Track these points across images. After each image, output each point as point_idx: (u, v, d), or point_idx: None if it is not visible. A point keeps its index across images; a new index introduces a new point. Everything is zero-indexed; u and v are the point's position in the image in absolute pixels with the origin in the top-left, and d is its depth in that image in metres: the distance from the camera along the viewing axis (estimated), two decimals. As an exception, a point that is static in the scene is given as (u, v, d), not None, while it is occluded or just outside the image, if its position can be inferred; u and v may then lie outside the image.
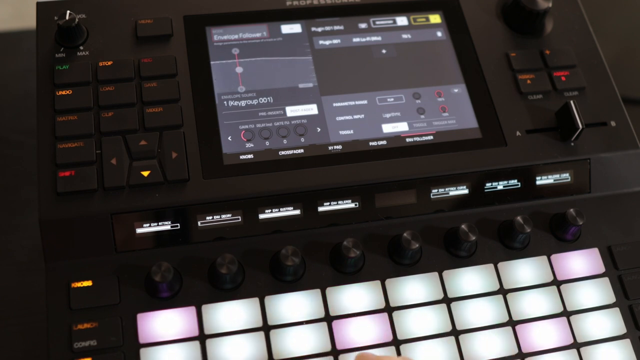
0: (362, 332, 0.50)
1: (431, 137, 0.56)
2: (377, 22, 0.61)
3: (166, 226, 0.51)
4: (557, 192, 0.58)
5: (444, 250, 0.54)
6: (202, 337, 0.48)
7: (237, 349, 0.48)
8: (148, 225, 0.51)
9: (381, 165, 0.54)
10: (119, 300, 0.49)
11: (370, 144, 0.55)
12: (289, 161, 0.54)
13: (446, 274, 0.53)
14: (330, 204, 0.54)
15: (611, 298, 0.54)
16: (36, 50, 0.55)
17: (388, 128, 0.56)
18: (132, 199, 0.50)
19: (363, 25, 0.61)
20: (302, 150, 0.54)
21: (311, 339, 0.49)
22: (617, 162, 0.58)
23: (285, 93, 0.57)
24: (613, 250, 0.56)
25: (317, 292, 0.51)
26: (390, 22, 0.62)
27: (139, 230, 0.51)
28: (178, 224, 0.51)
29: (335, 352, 0.49)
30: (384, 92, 0.58)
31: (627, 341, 0.53)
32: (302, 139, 0.55)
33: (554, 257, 0.55)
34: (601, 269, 0.55)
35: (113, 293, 0.49)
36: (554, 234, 0.56)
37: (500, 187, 0.56)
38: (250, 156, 0.53)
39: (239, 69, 0.57)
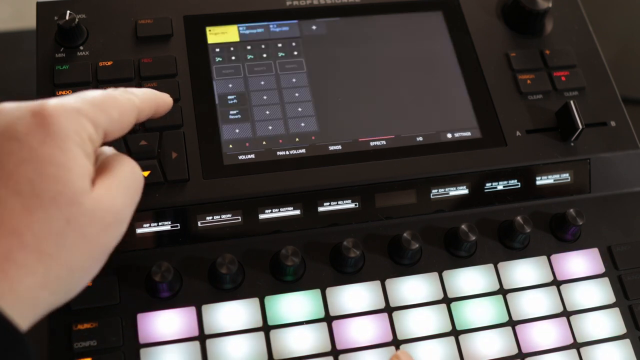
0: (362, 332, 0.50)
1: (431, 137, 0.56)
2: (377, 22, 0.61)
3: (166, 226, 0.51)
4: (557, 192, 0.58)
5: (444, 250, 0.54)
6: (202, 337, 0.48)
7: (237, 349, 0.48)
8: (148, 225, 0.51)
9: (381, 165, 0.54)
10: (119, 300, 0.49)
11: (371, 144, 0.55)
12: (289, 161, 0.54)
13: (446, 274, 0.53)
14: (330, 204, 0.54)
15: (611, 298, 0.54)
16: (36, 50, 0.55)
17: (388, 128, 0.56)
18: (132, 199, 0.50)
19: (363, 26, 0.61)
20: (302, 150, 0.54)
21: (311, 339, 0.49)
22: (617, 162, 0.58)
23: (286, 93, 0.57)
24: (613, 250, 0.56)
25: (317, 292, 0.51)
26: (390, 22, 0.62)
27: (139, 230, 0.51)
28: (178, 224, 0.51)
29: (335, 352, 0.49)
30: (384, 92, 0.58)
31: (627, 341, 0.53)
32: (302, 139, 0.55)
33: (554, 257, 0.55)
34: (601, 269, 0.55)
35: (113, 293, 0.49)
36: (554, 234, 0.56)
37: (500, 187, 0.56)
38: (250, 156, 0.54)
39: (239, 69, 0.57)
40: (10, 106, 0.38)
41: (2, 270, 0.34)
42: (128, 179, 0.41)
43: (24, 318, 0.35)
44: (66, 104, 0.38)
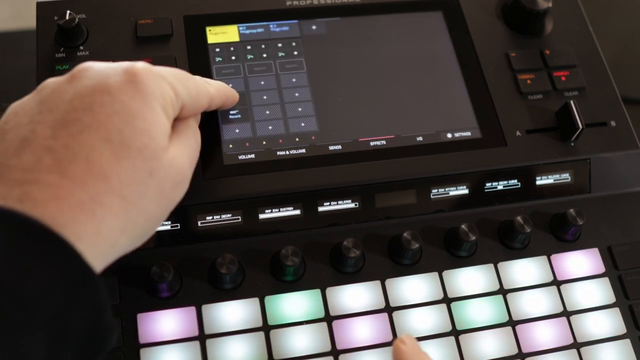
0: (362, 332, 0.50)
1: (431, 137, 0.56)
2: (377, 22, 0.61)
3: (166, 226, 0.51)
4: (557, 192, 0.58)
5: (444, 250, 0.54)
6: (202, 337, 0.48)
7: (237, 349, 0.48)
8: (148, 225, 0.51)
9: (381, 165, 0.54)
10: (119, 300, 0.49)
11: (371, 144, 0.55)
12: (289, 161, 0.54)
13: (446, 274, 0.53)
14: (330, 204, 0.54)
15: (611, 298, 0.54)
16: (36, 50, 0.55)
17: (388, 128, 0.56)
18: (132, 199, 0.50)
19: (363, 25, 0.61)
20: (302, 150, 0.54)
21: (311, 339, 0.49)
22: (617, 162, 0.58)
23: (286, 93, 0.57)
24: (613, 250, 0.56)
25: (317, 292, 0.51)
26: (391, 22, 0.62)
27: (139, 230, 0.51)
28: (178, 224, 0.51)
29: (335, 352, 0.49)
30: (384, 92, 0.58)
31: (627, 341, 0.53)
32: (302, 139, 0.55)
33: (554, 257, 0.55)
34: (601, 269, 0.55)
35: (113, 293, 0.49)
36: (554, 234, 0.56)
37: (500, 187, 0.56)
38: (250, 156, 0.54)
39: (239, 69, 0.57)
40: (101, 64, 0.41)
41: (90, 210, 0.36)
42: (191, 141, 0.45)
43: (101, 259, 0.37)
44: (153, 69, 0.42)
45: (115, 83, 0.39)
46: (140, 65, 0.41)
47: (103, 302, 0.36)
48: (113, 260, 0.39)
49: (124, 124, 0.38)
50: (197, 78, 0.47)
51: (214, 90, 0.48)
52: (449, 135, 0.57)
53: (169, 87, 0.42)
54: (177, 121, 0.45)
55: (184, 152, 0.43)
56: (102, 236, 0.36)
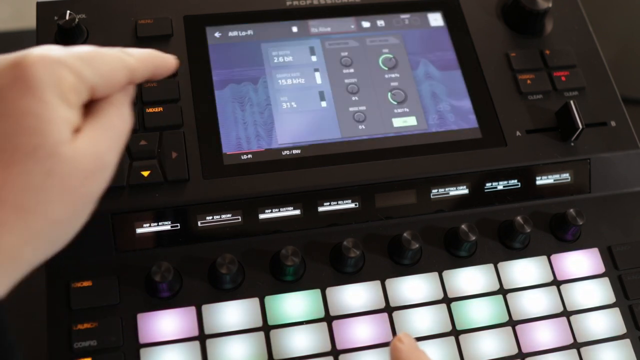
0: (362, 332, 0.50)
1: (431, 137, 0.56)
2: (378, 22, 0.61)
3: (166, 226, 0.51)
4: (557, 192, 0.58)
5: (444, 250, 0.54)
6: (202, 337, 0.48)
7: (237, 349, 0.48)
8: (148, 225, 0.51)
9: (381, 165, 0.54)
10: (119, 300, 0.49)
11: (371, 143, 0.55)
12: (289, 161, 0.54)
13: (446, 274, 0.53)
14: (330, 204, 0.54)
15: (611, 298, 0.54)
16: (36, 50, 0.55)
17: (388, 128, 0.56)
18: (132, 199, 0.50)
19: (364, 25, 0.61)
20: (302, 150, 0.54)
21: (311, 339, 0.49)
22: (617, 162, 0.58)
23: (285, 93, 0.57)
24: (613, 250, 0.56)
25: (317, 292, 0.51)
26: (391, 21, 0.62)
27: (139, 230, 0.51)
28: (178, 224, 0.51)
29: (335, 352, 0.49)
30: (384, 92, 0.58)
31: (627, 341, 0.53)
32: (302, 139, 0.55)
33: (554, 257, 0.55)
34: (601, 269, 0.55)
35: (113, 293, 0.49)
36: (554, 234, 0.56)
37: (500, 187, 0.56)
38: (250, 156, 0.54)
39: (239, 69, 0.57)
40: None
41: None
42: (113, 121, 0.40)
43: (6, 278, 0.34)
44: (47, 55, 0.37)
45: (2, 81, 0.36)
46: (33, 54, 0.37)
47: (2, 323, 0.34)
48: (24, 274, 0.36)
49: (11, 127, 0.35)
50: (111, 52, 0.41)
51: (135, 62, 0.42)
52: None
53: (68, 71, 0.37)
54: (97, 102, 0.40)
55: (99, 136, 0.38)
56: (0, 255, 0.34)
